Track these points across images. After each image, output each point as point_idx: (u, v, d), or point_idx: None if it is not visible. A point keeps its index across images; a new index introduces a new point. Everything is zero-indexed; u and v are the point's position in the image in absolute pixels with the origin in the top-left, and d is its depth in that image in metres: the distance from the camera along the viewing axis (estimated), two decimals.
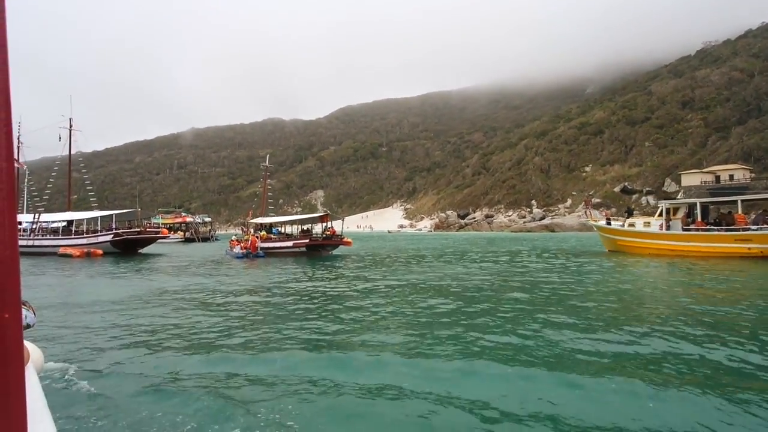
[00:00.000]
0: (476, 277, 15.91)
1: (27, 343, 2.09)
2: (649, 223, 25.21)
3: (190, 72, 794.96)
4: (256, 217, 37.55)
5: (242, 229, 37.96)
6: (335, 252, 32.46)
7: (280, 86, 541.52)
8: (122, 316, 9.96)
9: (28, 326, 2.09)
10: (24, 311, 2.12)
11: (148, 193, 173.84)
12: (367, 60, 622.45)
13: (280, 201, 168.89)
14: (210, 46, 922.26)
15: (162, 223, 54.92)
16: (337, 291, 13.55)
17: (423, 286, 14.11)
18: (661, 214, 24.88)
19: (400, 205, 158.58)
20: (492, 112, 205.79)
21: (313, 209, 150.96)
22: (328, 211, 35.16)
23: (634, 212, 34.46)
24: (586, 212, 34.94)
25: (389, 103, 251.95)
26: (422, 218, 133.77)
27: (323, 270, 21.04)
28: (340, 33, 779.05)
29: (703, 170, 75.34)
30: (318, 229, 34.38)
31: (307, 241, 30.50)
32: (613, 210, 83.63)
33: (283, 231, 34.40)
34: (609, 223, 27.50)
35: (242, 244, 30.81)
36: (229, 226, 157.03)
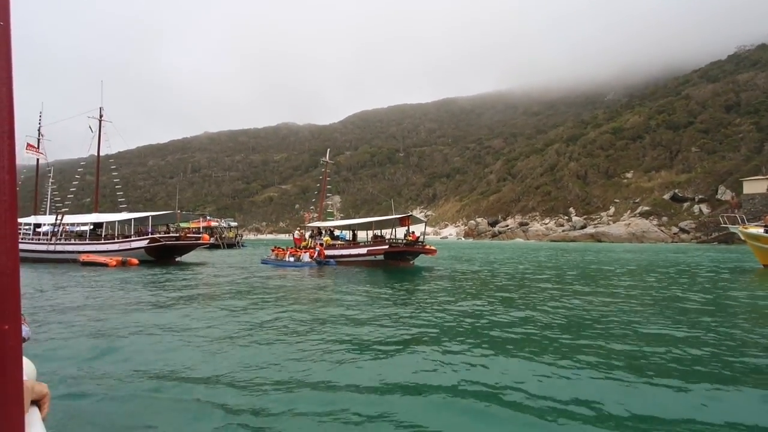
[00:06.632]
0: None
1: None
2: None
3: (202, 76, 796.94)
4: (314, 220, 32.57)
5: (300, 234, 33.18)
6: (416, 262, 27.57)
7: (295, 91, 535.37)
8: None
9: (24, 340, 1.93)
10: None
11: (161, 196, 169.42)
12: (382, 64, 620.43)
13: (296, 206, 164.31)
14: (221, 49, 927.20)
15: (192, 227, 50.18)
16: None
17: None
18: None
19: (421, 212, 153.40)
20: (510, 118, 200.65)
21: (330, 215, 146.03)
22: (411, 213, 30.11)
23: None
24: (731, 218, 29.47)
25: (404, 108, 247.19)
26: (446, 225, 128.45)
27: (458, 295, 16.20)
28: (355, 37, 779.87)
29: None
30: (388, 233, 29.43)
31: (386, 247, 25.53)
32: (665, 219, 78.25)
33: (350, 236, 29.49)
34: None
35: (309, 251, 26.14)
36: (244, 231, 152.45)
